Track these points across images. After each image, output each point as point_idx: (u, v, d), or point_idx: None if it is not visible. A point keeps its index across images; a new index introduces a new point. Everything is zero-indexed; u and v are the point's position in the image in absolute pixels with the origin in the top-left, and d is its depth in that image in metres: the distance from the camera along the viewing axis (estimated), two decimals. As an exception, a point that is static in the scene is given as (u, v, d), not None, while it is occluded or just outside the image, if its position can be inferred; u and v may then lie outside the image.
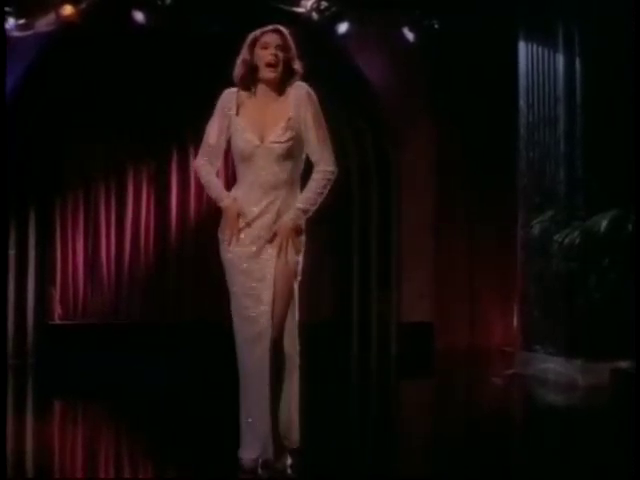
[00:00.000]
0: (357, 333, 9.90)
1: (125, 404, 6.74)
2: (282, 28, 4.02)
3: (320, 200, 4.00)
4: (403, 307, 9.49)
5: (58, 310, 9.77)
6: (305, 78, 4.04)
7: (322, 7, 8.81)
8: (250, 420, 3.95)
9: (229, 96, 4.03)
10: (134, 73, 9.44)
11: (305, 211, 3.97)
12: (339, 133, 9.84)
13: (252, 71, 3.98)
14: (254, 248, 3.94)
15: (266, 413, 3.90)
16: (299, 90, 3.98)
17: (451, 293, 9.41)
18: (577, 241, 7.70)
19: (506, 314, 9.16)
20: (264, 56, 3.95)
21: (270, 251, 3.95)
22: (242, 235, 3.95)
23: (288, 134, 3.94)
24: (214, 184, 4.04)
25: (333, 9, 8.84)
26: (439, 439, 5.56)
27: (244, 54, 4.01)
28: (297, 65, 4.00)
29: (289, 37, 4.01)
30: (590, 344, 7.45)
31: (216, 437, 5.10)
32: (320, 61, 8.97)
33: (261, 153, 3.94)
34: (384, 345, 9.61)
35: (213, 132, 4.02)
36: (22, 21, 8.55)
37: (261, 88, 4.01)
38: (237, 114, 3.99)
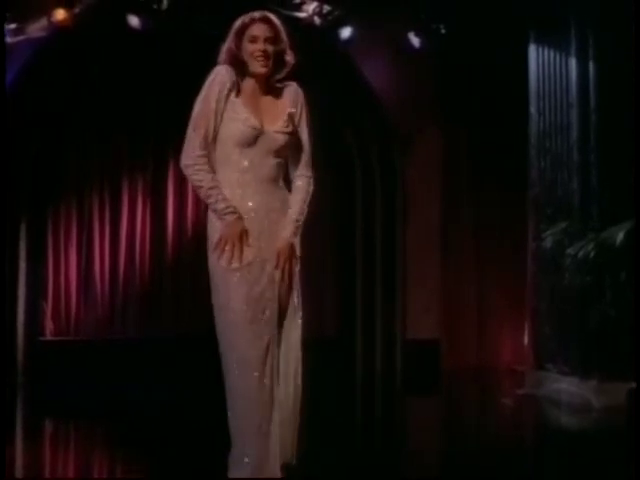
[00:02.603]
0: (361, 349, 9.87)
1: (121, 423, 6.70)
2: (272, 17, 3.77)
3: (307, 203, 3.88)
4: (409, 323, 9.47)
5: (50, 325, 9.65)
6: (304, 79, 3.89)
7: (324, 11, 8.80)
8: (247, 458, 3.68)
9: (229, 73, 3.73)
10: (129, 80, 9.43)
11: (300, 222, 3.81)
12: (341, 141, 9.79)
13: (241, 62, 3.74)
14: (255, 266, 3.73)
15: (267, 439, 3.66)
16: (295, 89, 3.83)
17: (459, 308, 9.38)
18: (591, 254, 7.60)
19: (516, 331, 9.08)
20: (253, 50, 3.72)
21: (270, 266, 3.76)
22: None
23: (290, 128, 3.78)
24: (218, 192, 3.69)
25: (336, 13, 8.83)
26: (446, 462, 5.53)
27: (229, 42, 3.75)
28: (289, 56, 3.79)
29: (280, 26, 3.77)
30: (605, 363, 7.38)
31: (217, 456, 4.95)
32: (322, 66, 9.04)
33: (262, 142, 3.74)
34: (389, 362, 9.59)
35: (212, 118, 3.69)
36: (14, 26, 8.48)
37: (249, 80, 3.79)
38: (237, 95, 3.74)
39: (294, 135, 3.79)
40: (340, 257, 10.13)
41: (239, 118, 3.71)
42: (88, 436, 6.45)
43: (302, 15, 8.69)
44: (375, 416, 7.75)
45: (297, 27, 8.34)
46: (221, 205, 3.67)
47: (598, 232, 7.61)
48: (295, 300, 3.79)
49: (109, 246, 9.79)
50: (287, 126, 3.75)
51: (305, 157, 3.84)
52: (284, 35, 3.76)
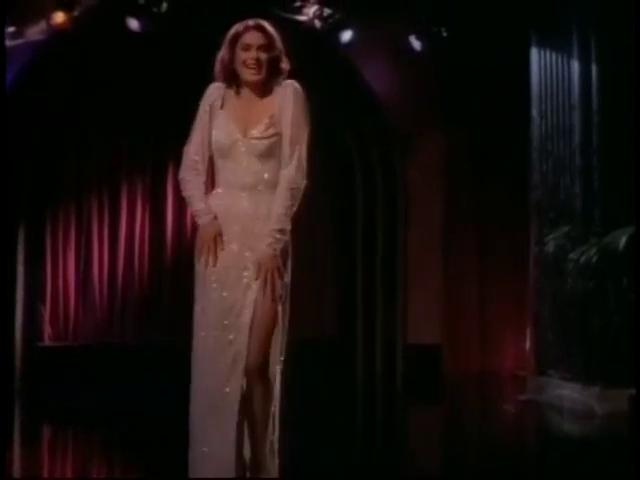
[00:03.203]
0: (362, 353, 9.82)
1: (120, 428, 6.67)
2: (266, 24, 3.77)
3: (292, 212, 3.75)
4: (410, 327, 9.42)
5: (48, 330, 9.59)
6: (304, 82, 3.84)
7: (325, 15, 8.76)
8: (206, 450, 3.68)
9: (216, 90, 3.81)
10: (128, 83, 9.38)
11: (281, 231, 3.71)
12: (342, 144, 9.77)
13: (233, 71, 3.77)
14: (232, 272, 3.72)
15: (231, 446, 3.65)
16: (286, 88, 3.77)
17: (460, 313, 9.31)
18: (594, 259, 7.54)
19: (518, 336, 9.04)
20: (245, 59, 3.73)
21: (249, 274, 3.72)
22: (219, 255, 3.73)
23: (271, 130, 3.73)
24: (196, 198, 3.78)
25: (336, 17, 8.80)
26: (447, 469, 5.51)
27: (223, 52, 3.78)
28: (284, 64, 3.78)
29: (274, 34, 3.76)
30: (608, 369, 7.33)
31: None
32: (323, 70, 9.02)
33: (242, 148, 3.74)
34: (390, 367, 9.54)
35: (200, 133, 3.79)
36: (12, 29, 8.46)
37: (245, 88, 3.81)
38: (221, 107, 3.79)
39: (278, 137, 3.73)
40: (341, 259, 10.08)
41: (219, 128, 3.75)
42: (87, 441, 6.43)
43: (302, 18, 8.67)
44: (375, 421, 7.72)
45: (297, 30, 8.44)
46: (196, 207, 3.75)
47: (601, 236, 7.58)
48: (279, 310, 3.73)
49: (108, 250, 9.75)
50: (267, 129, 3.72)
51: (288, 156, 3.73)
52: (278, 42, 3.75)
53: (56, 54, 8.72)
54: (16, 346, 9.18)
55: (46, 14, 8.44)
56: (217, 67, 3.78)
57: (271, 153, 3.73)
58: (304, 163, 3.75)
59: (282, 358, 3.77)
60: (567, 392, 7.59)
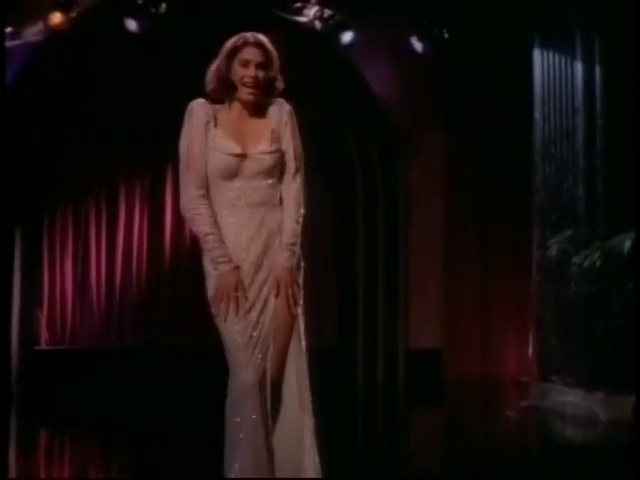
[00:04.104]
0: (363, 358, 9.81)
1: (118, 435, 6.65)
2: (265, 41, 3.67)
3: (301, 226, 3.71)
4: (411, 332, 9.41)
5: (45, 334, 9.56)
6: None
7: (325, 16, 8.74)
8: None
9: (204, 108, 3.67)
10: (126, 85, 9.36)
11: (295, 244, 3.67)
12: (343, 148, 9.73)
13: (229, 82, 3.67)
14: (250, 290, 3.62)
15: (264, 469, 3.59)
16: (281, 105, 3.72)
17: (462, 318, 9.29)
18: (598, 263, 7.58)
19: (520, 341, 9.04)
20: (243, 76, 3.63)
21: (266, 290, 3.65)
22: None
23: (275, 146, 3.67)
24: (215, 239, 3.60)
25: (337, 18, 8.78)
26: (448, 474, 5.51)
27: (219, 64, 3.66)
28: (279, 83, 3.71)
29: (272, 51, 3.68)
30: (612, 375, 7.34)
31: (214, 464, 4.92)
32: (323, 72, 8.98)
33: (249, 166, 3.65)
34: (391, 372, 9.53)
35: (199, 155, 3.64)
36: (10, 29, 8.41)
37: (237, 103, 3.71)
38: (215, 126, 3.67)
39: (281, 153, 3.69)
40: (341, 264, 10.08)
41: (219, 148, 3.64)
42: (84, 445, 6.44)
43: (303, 19, 8.64)
44: (377, 426, 7.73)
45: (298, 32, 8.42)
46: (216, 253, 3.58)
47: (604, 240, 7.59)
48: (301, 326, 3.70)
49: (105, 253, 9.73)
50: (271, 145, 3.66)
51: (293, 168, 3.70)
52: (276, 61, 3.68)
53: (54, 55, 8.69)
54: (13, 350, 9.13)
55: (44, 15, 8.38)
56: (211, 76, 3.68)
57: (274, 169, 3.68)
58: (303, 181, 3.72)
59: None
60: (570, 398, 7.59)
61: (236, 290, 3.57)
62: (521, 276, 8.78)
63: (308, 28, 8.61)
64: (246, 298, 3.58)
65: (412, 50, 9.06)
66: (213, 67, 3.67)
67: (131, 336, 9.70)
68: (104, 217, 9.75)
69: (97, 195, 9.74)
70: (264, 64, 3.62)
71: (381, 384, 9.50)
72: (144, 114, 9.56)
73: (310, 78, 8.65)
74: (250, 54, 3.61)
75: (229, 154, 3.62)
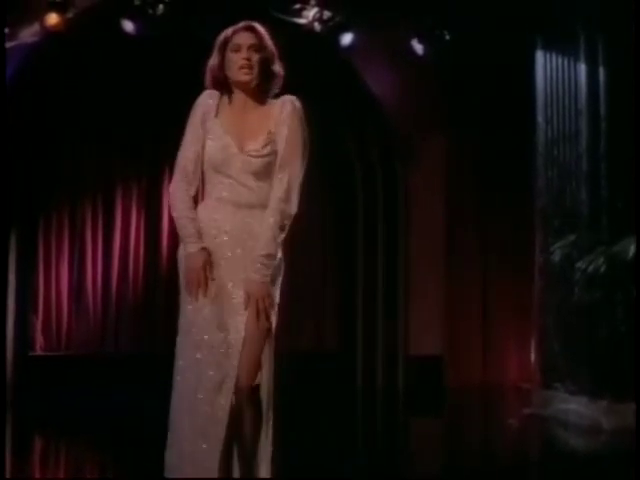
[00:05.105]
0: (362, 365, 9.80)
1: (114, 442, 6.64)
2: (256, 25, 3.65)
3: (282, 237, 3.57)
4: (411, 339, 9.39)
5: (40, 340, 9.55)
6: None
7: (325, 17, 8.71)
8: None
9: (209, 97, 3.65)
10: (123, 87, 9.35)
11: (269, 256, 3.53)
12: (343, 151, 9.69)
13: (224, 77, 3.63)
14: (223, 290, 3.55)
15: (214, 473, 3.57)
16: (284, 104, 3.63)
17: (463, 324, 9.28)
18: (602, 268, 7.54)
19: (523, 348, 8.99)
20: (236, 60, 3.58)
21: (236, 294, 3.56)
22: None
23: (268, 148, 3.59)
24: (186, 221, 3.58)
25: (336, 19, 8.75)
26: None
27: (213, 58, 3.64)
28: (276, 66, 3.64)
29: (265, 34, 3.63)
30: (616, 383, 7.31)
31: None
32: (324, 73, 8.94)
33: (237, 163, 3.58)
34: (391, 379, 9.51)
35: (194, 143, 3.62)
36: (6, 30, 8.35)
37: (238, 95, 3.65)
38: (216, 115, 3.63)
39: (275, 156, 3.58)
40: (340, 269, 10.05)
41: (214, 138, 3.60)
42: (79, 452, 6.42)
43: (302, 21, 8.63)
44: (377, 434, 7.71)
45: (297, 33, 8.37)
46: (184, 232, 3.56)
47: (608, 245, 7.55)
48: (269, 331, 3.58)
49: (102, 258, 9.71)
50: (264, 147, 3.57)
51: (280, 172, 3.57)
52: (270, 43, 3.62)
53: (50, 57, 8.65)
54: (7, 356, 9.09)
55: (39, 16, 8.34)
56: (207, 75, 3.65)
57: (267, 171, 3.58)
58: (296, 186, 3.58)
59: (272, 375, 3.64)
60: (573, 406, 7.55)
61: (204, 270, 3.50)
62: (523, 281, 8.75)
63: (308, 30, 8.59)
64: (213, 279, 3.50)
65: (413, 52, 9.03)
66: (209, 64, 3.64)
67: (127, 341, 9.68)
68: (100, 221, 9.72)
69: (93, 198, 9.72)
70: (257, 46, 3.58)
71: (381, 391, 9.46)
72: (141, 116, 9.57)
73: (310, 80, 8.61)
74: (241, 38, 3.58)
75: (220, 146, 3.57)
